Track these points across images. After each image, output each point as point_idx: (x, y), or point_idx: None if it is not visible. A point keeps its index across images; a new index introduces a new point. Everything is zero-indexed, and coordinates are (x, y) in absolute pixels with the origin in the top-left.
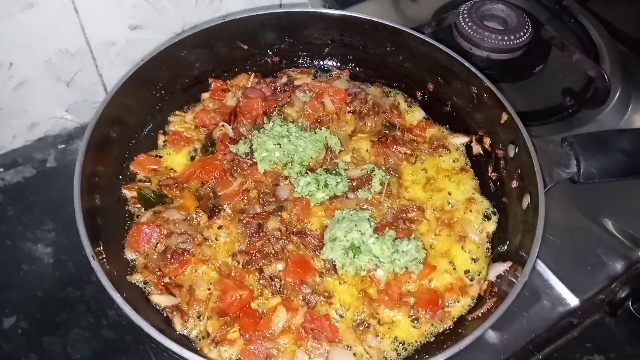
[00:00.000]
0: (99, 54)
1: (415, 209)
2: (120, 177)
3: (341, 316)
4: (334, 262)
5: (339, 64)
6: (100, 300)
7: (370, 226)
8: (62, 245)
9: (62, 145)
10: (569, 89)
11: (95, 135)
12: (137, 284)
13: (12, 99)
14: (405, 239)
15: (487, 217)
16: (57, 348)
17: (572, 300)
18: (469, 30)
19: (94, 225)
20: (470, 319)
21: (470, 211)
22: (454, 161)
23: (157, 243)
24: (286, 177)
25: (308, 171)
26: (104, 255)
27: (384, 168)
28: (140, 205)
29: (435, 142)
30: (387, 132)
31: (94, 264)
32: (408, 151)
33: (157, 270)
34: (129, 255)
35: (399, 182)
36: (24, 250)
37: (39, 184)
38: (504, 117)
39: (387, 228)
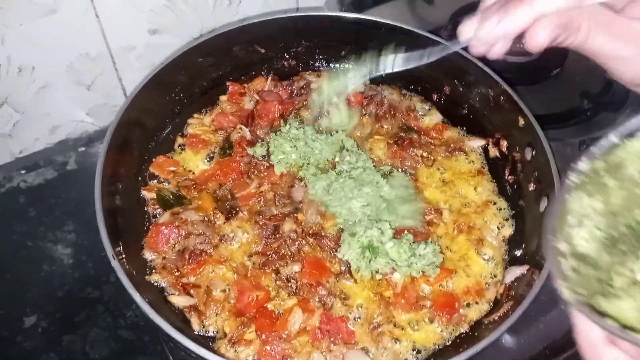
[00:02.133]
0: (119, 58)
1: (433, 212)
2: (140, 178)
3: (357, 319)
4: (349, 264)
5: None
6: (118, 301)
7: (391, 227)
8: (82, 246)
9: (83, 148)
10: (586, 92)
11: (115, 137)
12: (155, 284)
13: (34, 102)
14: (422, 243)
15: (504, 220)
16: (77, 347)
17: None
18: None
19: (114, 225)
20: (486, 322)
21: (487, 214)
22: (470, 163)
23: (175, 244)
24: (301, 179)
25: (322, 172)
26: (123, 256)
27: (400, 170)
28: (159, 207)
29: (452, 145)
30: (404, 134)
31: (114, 264)
32: (425, 154)
33: (175, 270)
34: (148, 255)
35: (415, 185)
36: (45, 251)
37: (60, 185)
38: (521, 120)
39: (405, 231)
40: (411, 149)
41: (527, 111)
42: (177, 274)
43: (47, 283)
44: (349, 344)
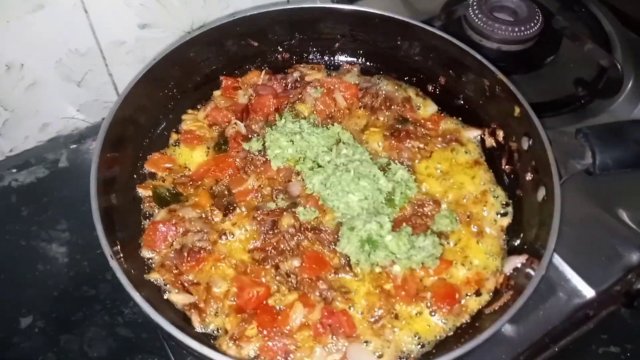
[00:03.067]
0: (109, 53)
1: (432, 203)
2: (135, 176)
3: (358, 312)
4: (349, 258)
5: (349, 59)
6: (115, 299)
7: (390, 220)
8: (77, 245)
9: (74, 145)
10: (581, 79)
11: (109, 135)
12: (154, 282)
13: (24, 100)
14: (421, 235)
15: (502, 210)
16: (74, 346)
17: (588, 292)
18: (479, 22)
19: (111, 224)
20: (487, 312)
21: (485, 204)
22: (466, 153)
23: (173, 241)
24: (298, 173)
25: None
26: (121, 255)
27: (397, 162)
28: (155, 204)
29: (448, 136)
30: (400, 126)
31: (113, 263)
32: (421, 145)
33: (174, 268)
34: (146, 254)
35: (415, 172)
36: (39, 250)
37: (52, 184)
38: (517, 110)
39: (403, 224)
40: (408, 140)
41: (523, 100)
42: (176, 272)
43: (42, 282)
44: (350, 337)
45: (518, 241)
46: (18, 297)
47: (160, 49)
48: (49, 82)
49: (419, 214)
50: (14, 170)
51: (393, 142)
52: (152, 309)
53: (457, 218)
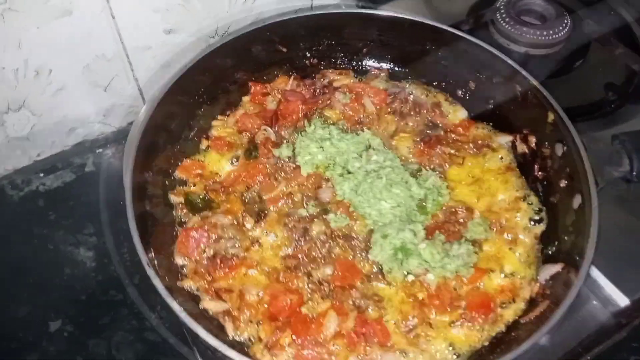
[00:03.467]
0: (135, 58)
1: (464, 210)
2: (167, 183)
3: (391, 321)
4: (381, 266)
5: (377, 64)
6: (142, 304)
7: (423, 228)
8: (104, 249)
9: (100, 150)
10: (610, 83)
11: (142, 141)
12: (187, 289)
13: (51, 104)
14: (455, 243)
15: (536, 217)
16: (102, 351)
17: (623, 301)
18: (507, 26)
19: (145, 231)
20: (523, 322)
21: (519, 211)
22: (501, 159)
23: (206, 248)
24: (327, 180)
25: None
26: (155, 262)
27: (428, 168)
28: (187, 211)
29: (479, 142)
30: (430, 132)
31: (150, 272)
32: (452, 151)
33: (207, 275)
34: (179, 260)
35: (447, 179)
36: (66, 254)
37: (79, 188)
38: (551, 115)
39: (436, 231)
40: (438, 146)
41: (557, 107)
42: (209, 279)
43: (70, 287)
44: (385, 346)
45: (553, 249)
46: (46, 302)
47: (185, 54)
48: (76, 88)
49: (452, 221)
50: (42, 175)
51: (423, 147)
52: (189, 317)
53: (491, 226)
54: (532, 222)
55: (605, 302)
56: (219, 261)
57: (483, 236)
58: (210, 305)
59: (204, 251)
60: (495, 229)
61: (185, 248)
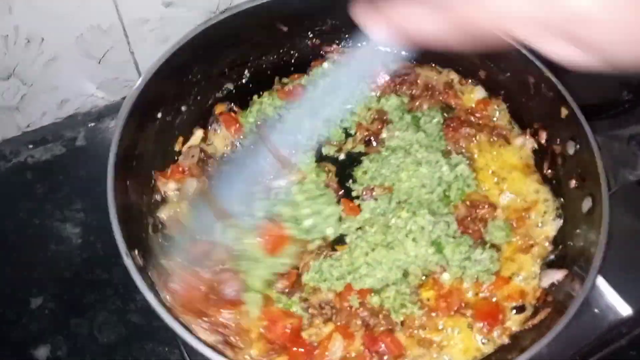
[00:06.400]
0: (132, 31)
1: (487, 206)
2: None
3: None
4: None
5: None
6: (128, 285)
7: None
8: (91, 226)
9: (92, 124)
10: (626, 82)
11: (132, 112)
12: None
13: (43, 75)
14: (479, 247)
15: (551, 218)
16: (84, 331)
17: (625, 310)
18: None
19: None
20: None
21: (537, 211)
22: (520, 149)
23: None
24: None
25: None
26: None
27: (454, 154)
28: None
29: (496, 130)
30: (446, 114)
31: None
32: (479, 135)
33: None
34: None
35: (473, 167)
36: (52, 230)
37: (69, 162)
38: (565, 111)
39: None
40: (463, 128)
41: (572, 102)
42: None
43: (54, 263)
44: (400, 357)
45: (557, 253)
46: (29, 277)
47: (184, 29)
48: (68, 58)
49: (472, 216)
50: (30, 147)
51: (448, 130)
52: (187, 331)
53: (511, 228)
54: (546, 223)
55: (606, 310)
56: None
57: (503, 241)
58: (206, 335)
59: None
60: (515, 232)
61: None
